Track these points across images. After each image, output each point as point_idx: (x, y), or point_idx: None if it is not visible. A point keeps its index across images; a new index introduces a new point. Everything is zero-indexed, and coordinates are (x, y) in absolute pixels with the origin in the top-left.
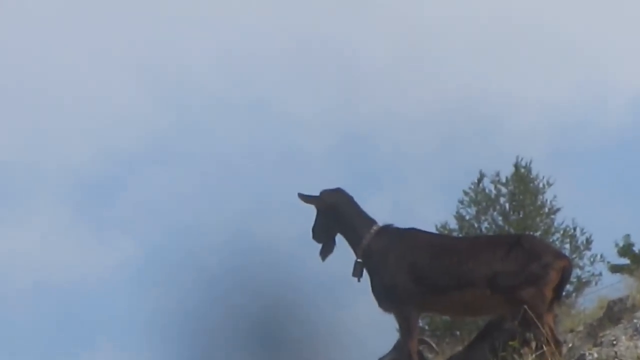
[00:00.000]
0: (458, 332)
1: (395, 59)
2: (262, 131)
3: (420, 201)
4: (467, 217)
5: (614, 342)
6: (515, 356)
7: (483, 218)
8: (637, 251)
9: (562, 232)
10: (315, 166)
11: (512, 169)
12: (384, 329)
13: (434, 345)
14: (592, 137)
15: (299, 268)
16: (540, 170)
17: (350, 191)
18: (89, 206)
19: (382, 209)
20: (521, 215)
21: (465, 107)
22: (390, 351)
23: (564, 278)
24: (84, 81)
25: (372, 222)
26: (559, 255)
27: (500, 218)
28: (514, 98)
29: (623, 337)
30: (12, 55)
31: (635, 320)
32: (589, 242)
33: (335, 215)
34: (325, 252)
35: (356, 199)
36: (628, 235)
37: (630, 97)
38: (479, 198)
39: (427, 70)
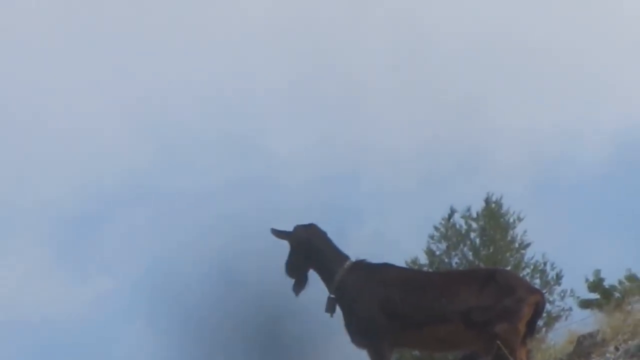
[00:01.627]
0: None
1: (377, 101)
2: (243, 168)
3: (400, 236)
4: (438, 253)
5: None
6: None
7: (453, 253)
8: (607, 286)
9: (532, 267)
10: (296, 203)
11: (482, 204)
12: None
13: None
14: (569, 172)
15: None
16: (511, 205)
17: (330, 227)
18: (67, 243)
19: (363, 244)
20: (491, 250)
21: (447, 141)
22: None
23: (537, 313)
24: (63, 113)
25: (345, 257)
26: (532, 290)
27: (470, 253)
28: (496, 131)
29: None
30: None
31: (607, 355)
32: (559, 277)
33: (308, 250)
34: (298, 288)
35: (335, 235)
36: (598, 271)
37: (609, 132)
38: (450, 233)
39: (404, 106)
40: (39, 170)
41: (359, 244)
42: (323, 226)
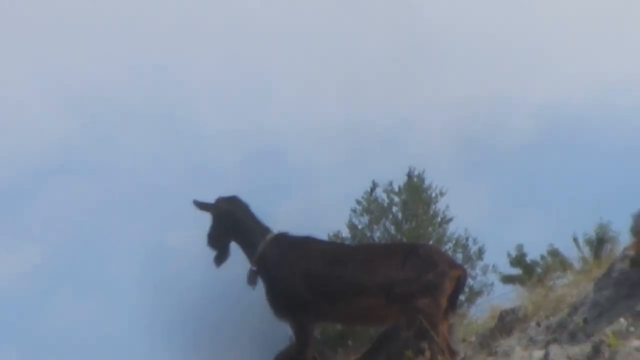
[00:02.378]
0: (350, 342)
1: (306, 75)
2: (171, 145)
3: (325, 210)
4: (360, 226)
5: (509, 353)
6: None
7: (375, 227)
8: (529, 261)
9: (454, 241)
10: (225, 179)
11: (405, 179)
12: None
13: None
14: (493, 148)
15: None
16: (434, 179)
17: (257, 200)
18: None
19: (289, 217)
20: (413, 225)
21: (372, 116)
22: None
23: (459, 287)
24: None
25: (267, 229)
26: (454, 264)
27: (392, 227)
28: (421, 107)
29: (517, 347)
30: None
31: (529, 331)
32: (481, 251)
33: (230, 222)
34: (219, 260)
35: (262, 208)
36: (521, 245)
37: (534, 109)
38: (372, 207)
39: (336, 83)
40: None
41: (285, 217)
42: (249, 200)
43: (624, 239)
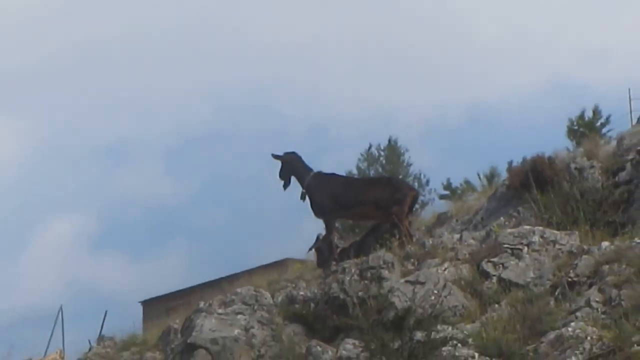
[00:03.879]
0: (357, 230)
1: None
2: (267, 123)
3: (346, 159)
4: (362, 168)
5: (441, 235)
6: (388, 242)
7: (371, 168)
8: (454, 187)
9: (413, 176)
10: (295, 143)
11: (386, 142)
12: None
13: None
14: (439, 126)
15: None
16: (402, 143)
17: (309, 155)
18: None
19: (327, 163)
20: (391, 167)
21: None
22: (316, 241)
23: (414, 201)
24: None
25: (311, 170)
26: (412, 188)
27: (380, 168)
28: (395, 105)
29: (446, 233)
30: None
31: (452, 224)
32: (428, 182)
33: (291, 166)
34: (285, 186)
35: (308, 159)
36: (449, 178)
37: (466, 104)
38: (369, 158)
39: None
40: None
41: (324, 163)
42: (304, 154)
43: (503, 175)
